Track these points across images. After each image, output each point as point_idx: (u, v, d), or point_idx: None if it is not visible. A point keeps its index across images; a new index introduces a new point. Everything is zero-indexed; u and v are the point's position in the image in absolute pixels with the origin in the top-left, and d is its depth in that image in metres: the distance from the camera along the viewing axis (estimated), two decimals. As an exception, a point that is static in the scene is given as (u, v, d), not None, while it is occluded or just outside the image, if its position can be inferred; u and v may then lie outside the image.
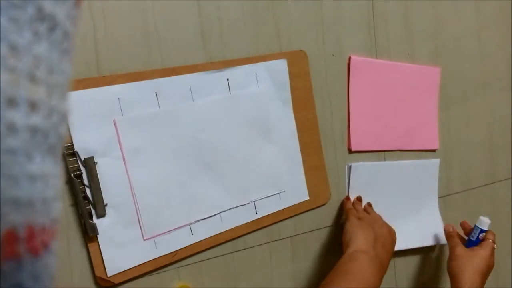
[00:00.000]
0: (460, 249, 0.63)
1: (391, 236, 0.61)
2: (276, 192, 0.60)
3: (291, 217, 0.62)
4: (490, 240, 0.64)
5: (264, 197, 0.59)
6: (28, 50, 0.13)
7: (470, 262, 0.60)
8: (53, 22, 0.14)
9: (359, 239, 0.55)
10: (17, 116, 0.13)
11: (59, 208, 0.15)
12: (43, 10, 0.14)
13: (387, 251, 0.58)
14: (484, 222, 0.65)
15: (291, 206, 0.61)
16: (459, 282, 0.59)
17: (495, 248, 0.64)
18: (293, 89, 0.60)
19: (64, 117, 0.15)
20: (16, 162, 0.13)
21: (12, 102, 0.13)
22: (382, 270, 0.54)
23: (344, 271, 0.52)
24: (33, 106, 0.13)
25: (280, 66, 0.59)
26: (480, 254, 0.61)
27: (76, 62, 0.15)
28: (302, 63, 0.61)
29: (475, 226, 0.66)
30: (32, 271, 0.14)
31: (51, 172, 0.14)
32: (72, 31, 0.15)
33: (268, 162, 0.59)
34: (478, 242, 0.65)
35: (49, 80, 0.14)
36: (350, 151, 0.66)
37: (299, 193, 0.58)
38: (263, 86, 0.58)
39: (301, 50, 0.61)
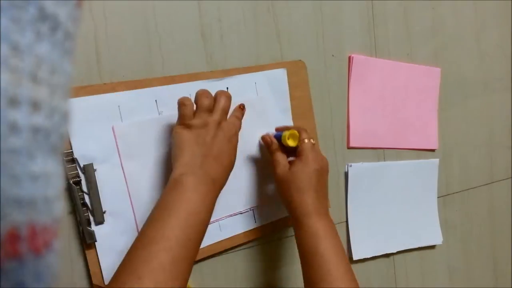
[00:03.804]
0: (280, 171, 0.52)
1: (229, 145, 0.49)
2: (275, 201, 0.59)
3: (288, 232, 0.62)
4: (306, 140, 0.52)
5: (263, 206, 0.59)
6: (30, 50, 0.13)
7: (296, 183, 0.50)
8: (54, 22, 0.14)
9: (184, 157, 0.45)
10: (19, 116, 0.13)
11: (61, 207, 0.15)
12: (44, 10, 0.14)
13: (221, 165, 0.47)
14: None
15: (287, 222, 0.61)
16: (296, 209, 0.50)
17: (313, 143, 0.53)
18: (292, 99, 0.60)
19: (65, 117, 0.15)
20: (18, 162, 0.13)
21: (14, 102, 0.13)
22: (214, 188, 0.45)
23: (163, 205, 0.42)
24: (35, 106, 0.13)
25: (280, 75, 0.59)
26: (303, 167, 0.50)
27: (77, 62, 0.15)
28: (301, 73, 0.61)
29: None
30: (34, 270, 0.14)
31: (53, 171, 0.14)
32: (73, 32, 0.15)
33: (268, 170, 0.59)
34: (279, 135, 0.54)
35: (51, 80, 0.14)
36: (348, 147, 0.66)
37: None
38: (262, 95, 0.58)
39: (300, 60, 0.61)
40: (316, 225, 0.49)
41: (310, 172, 0.50)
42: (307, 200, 0.50)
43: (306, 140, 0.52)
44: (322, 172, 0.52)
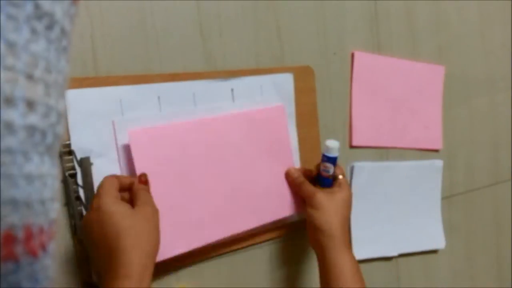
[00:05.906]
0: (321, 196, 0.53)
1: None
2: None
3: (287, 234, 0.61)
4: (341, 176, 0.56)
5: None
6: (26, 48, 0.13)
7: (336, 210, 0.52)
8: (51, 20, 0.14)
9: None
10: (15, 116, 0.13)
11: (57, 209, 0.15)
12: (41, 8, 0.14)
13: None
14: (332, 148, 0.54)
15: (288, 223, 0.60)
16: (331, 235, 0.51)
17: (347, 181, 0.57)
18: (297, 104, 0.59)
19: (61, 117, 0.15)
20: (13, 162, 0.13)
21: (10, 101, 0.13)
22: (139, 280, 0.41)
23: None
24: (30, 105, 0.13)
25: (286, 80, 0.58)
26: (341, 197, 0.53)
27: (73, 60, 0.15)
28: (308, 79, 0.61)
29: (324, 155, 0.55)
30: (30, 272, 0.13)
31: (49, 172, 0.14)
32: (69, 29, 0.15)
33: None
34: (331, 175, 0.55)
35: (47, 78, 0.14)
36: (351, 146, 0.66)
37: (298, 212, 0.57)
38: (267, 98, 0.57)
39: (308, 65, 0.61)
40: (352, 258, 0.52)
41: (350, 204, 0.55)
42: (346, 229, 0.53)
43: (341, 177, 0.56)
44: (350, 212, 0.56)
